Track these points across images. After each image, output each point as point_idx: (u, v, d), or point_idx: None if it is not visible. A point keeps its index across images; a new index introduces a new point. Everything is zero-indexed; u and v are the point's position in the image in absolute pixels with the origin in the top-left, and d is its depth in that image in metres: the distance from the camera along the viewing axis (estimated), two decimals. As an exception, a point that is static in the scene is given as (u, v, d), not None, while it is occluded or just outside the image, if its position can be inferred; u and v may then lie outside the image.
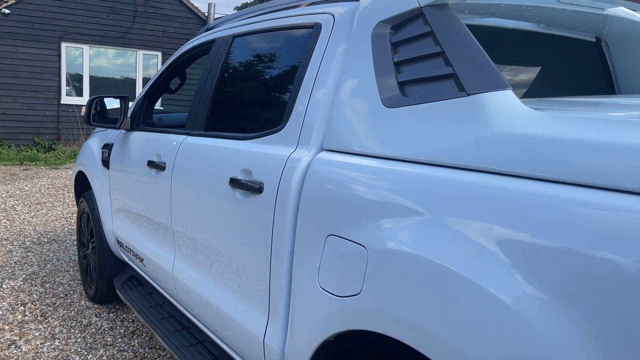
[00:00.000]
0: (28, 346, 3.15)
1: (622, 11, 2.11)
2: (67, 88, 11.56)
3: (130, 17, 11.82)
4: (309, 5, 2.03)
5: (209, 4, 12.36)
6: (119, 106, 3.11)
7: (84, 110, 3.31)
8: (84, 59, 11.62)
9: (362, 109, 1.54)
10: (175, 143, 2.49)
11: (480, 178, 1.15)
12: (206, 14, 12.46)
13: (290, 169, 1.67)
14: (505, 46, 2.20)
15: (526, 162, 1.08)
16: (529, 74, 2.36)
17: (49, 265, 4.58)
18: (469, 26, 1.95)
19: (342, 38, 1.73)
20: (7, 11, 10.67)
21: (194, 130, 2.42)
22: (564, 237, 0.96)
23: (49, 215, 6.39)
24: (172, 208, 2.43)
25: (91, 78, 11.76)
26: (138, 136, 3.01)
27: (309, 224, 1.56)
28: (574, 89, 2.36)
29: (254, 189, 1.80)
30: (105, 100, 3.12)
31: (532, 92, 2.28)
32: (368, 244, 1.34)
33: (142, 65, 12.11)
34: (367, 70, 1.57)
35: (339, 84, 1.66)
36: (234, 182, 1.91)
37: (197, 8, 12.53)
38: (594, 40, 2.36)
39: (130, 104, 3.20)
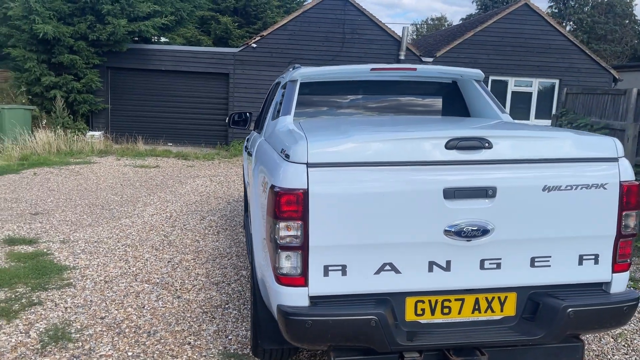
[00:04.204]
0: (203, 242, 6.09)
1: (466, 73, 3.96)
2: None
3: (339, 42, 14.92)
4: (285, 72, 4.35)
5: (403, 28, 14.71)
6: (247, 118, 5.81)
7: (227, 119, 6.05)
8: (305, 77, 15.20)
9: (268, 121, 3.86)
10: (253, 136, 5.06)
11: (267, 145, 3.40)
12: (400, 36, 14.82)
13: (256, 143, 4.05)
14: (399, 90, 4.20)
15: (276, 139, 3.30)
16: (420, 103, 4.27)
17: (235, 212, 7.63)
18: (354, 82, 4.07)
19: (279, 91, 4.04)
20: (254, 45, 14.78)
21: (258, 131, 4.94)
22: (265, 157, 3.19)
23: (252, 187, 9.69)
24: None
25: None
26: (253, 134, 5.66)
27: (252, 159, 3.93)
28: (446, 109, 4.19)
29: (250, 153, 4.24)
30: (240, 113, 5.84)
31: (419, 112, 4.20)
32: (252, 153, 3.69)
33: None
34: (274, 105, 3.88)
35: (271, 111, 3.99)
36: (246, 150, 4.38)
37: (393, 32, 14.98)
38: (451, 82, 4.15)
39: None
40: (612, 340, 3.85)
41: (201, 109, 15.30)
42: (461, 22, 34.09)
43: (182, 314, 4.11)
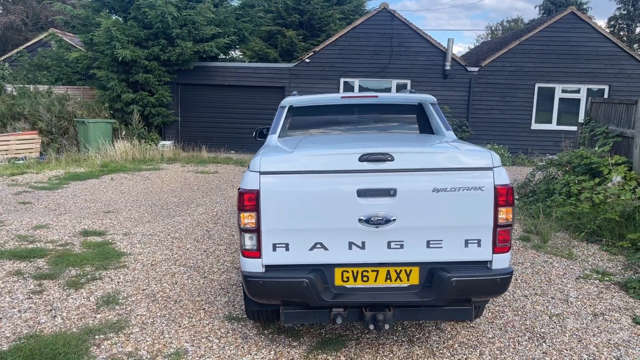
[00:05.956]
0: (237, 236, 7.21)
1: (421, 98, 4.84)
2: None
3: (387, 55, 15.78)
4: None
5: (448, 39, 15.33)
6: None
7: (254, 133, 7.12)
8: (355, 87, 16.15)
9: (271, 135, 4.90)
10: None
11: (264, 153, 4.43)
12: (446, 47, 15.45)
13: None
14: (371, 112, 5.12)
15: (267, 149, 4.33)
16: (392, 122, 5.16)
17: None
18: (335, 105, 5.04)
19: (280, 112, 5.08)
20: (308, 60, 15.98)
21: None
22: None
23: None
24: None
25: (360, 102, 16.22)
26: None
27: None
28: (416, 125, 5.06)
29: None
30: (267, 128, 6.91)
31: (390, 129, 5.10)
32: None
33: (396, 90, 15.92)
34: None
35: (276, 128, 5.03)
36: None
37: (439, 43, 15.63)
38: (417, 104, 5.03)
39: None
40: (547, 318, 4.56)
41: (259, 120, 16.66)
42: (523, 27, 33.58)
43: (204, 289, 5.24)
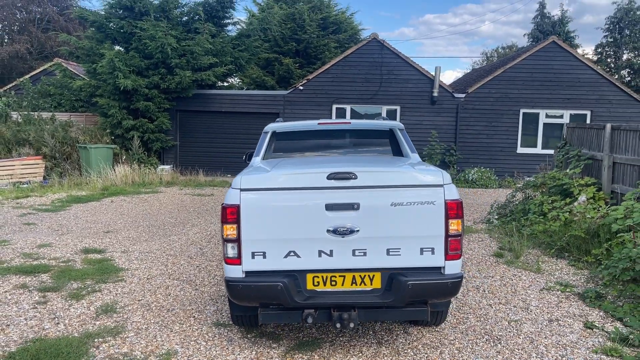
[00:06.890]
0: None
1: (390, 124, 5.36)
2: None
3: (377, 83, 16.44)
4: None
5: (436, 67, 16.03)
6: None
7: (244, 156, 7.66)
8: (346, 113, 16.78)
9: (254, 158, 5.41)
10: None
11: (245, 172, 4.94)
12: (433, 75, 16.12)
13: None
14: (352, 136, 5.64)
15: (249, 169, 4.85)
16: (365, 145, 5.68)
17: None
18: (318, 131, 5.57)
19: (263, 137, 5.60)
20: (301, 87, 16.65)
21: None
22: None
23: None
24: None
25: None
26: None
27: None
28: (389, 149, 5.58)
29: None
30: (251, 152, 7.45)
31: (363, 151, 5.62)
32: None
33: (385, 116, 16.53)
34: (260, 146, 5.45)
35: (259, 151, 5.55)
36: None
37: (427, 71, 16.31)
38: (388, 129, 5.55)
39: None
40: (506, 323, 5.01)
41: (255, 145, 17.22)
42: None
43: (195, 299, 5.69)
